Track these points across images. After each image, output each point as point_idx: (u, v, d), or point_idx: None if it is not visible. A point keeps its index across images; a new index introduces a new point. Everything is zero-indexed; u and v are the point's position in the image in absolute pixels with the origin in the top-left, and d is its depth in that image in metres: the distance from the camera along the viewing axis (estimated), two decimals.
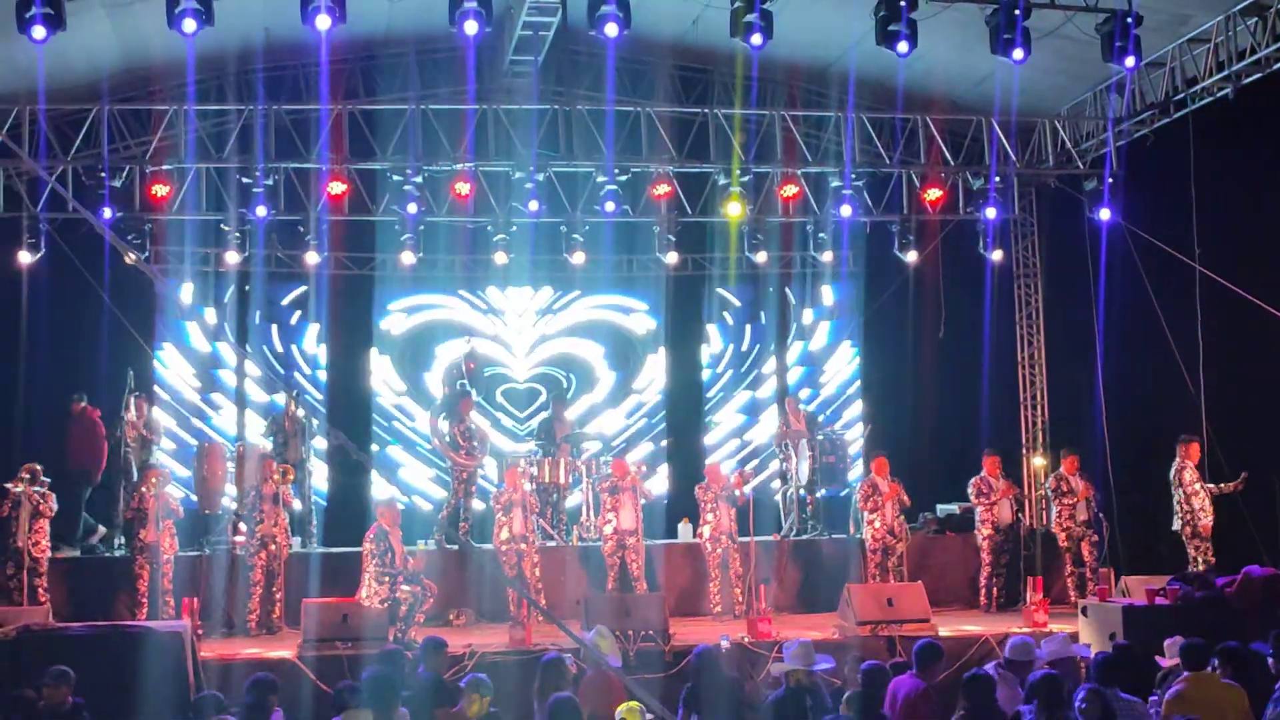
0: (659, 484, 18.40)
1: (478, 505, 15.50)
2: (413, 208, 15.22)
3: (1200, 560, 13.65)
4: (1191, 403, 14.80)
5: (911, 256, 16.99)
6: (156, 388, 17.10)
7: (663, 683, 11.36)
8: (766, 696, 9.57)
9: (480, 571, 14.18)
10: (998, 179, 16.17)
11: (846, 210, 16.06)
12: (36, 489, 13.36)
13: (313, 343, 18.27)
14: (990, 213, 16.34)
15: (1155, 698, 8.42)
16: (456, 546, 14.58)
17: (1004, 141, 16.02)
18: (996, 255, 17.06)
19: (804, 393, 18.81)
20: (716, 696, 9.15)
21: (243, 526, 14.31)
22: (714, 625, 13.52)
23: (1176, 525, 13.99)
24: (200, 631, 11.94)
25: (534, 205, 15.20)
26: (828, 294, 19.34)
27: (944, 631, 12.34)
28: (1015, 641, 9.37)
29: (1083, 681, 8.82)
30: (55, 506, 13.48)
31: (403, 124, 15.03)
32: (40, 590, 13.25)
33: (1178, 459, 13.98)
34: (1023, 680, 8.69)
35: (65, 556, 14.25)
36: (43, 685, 8.36)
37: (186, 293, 17.66)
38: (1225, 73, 13.95)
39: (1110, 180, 15.71)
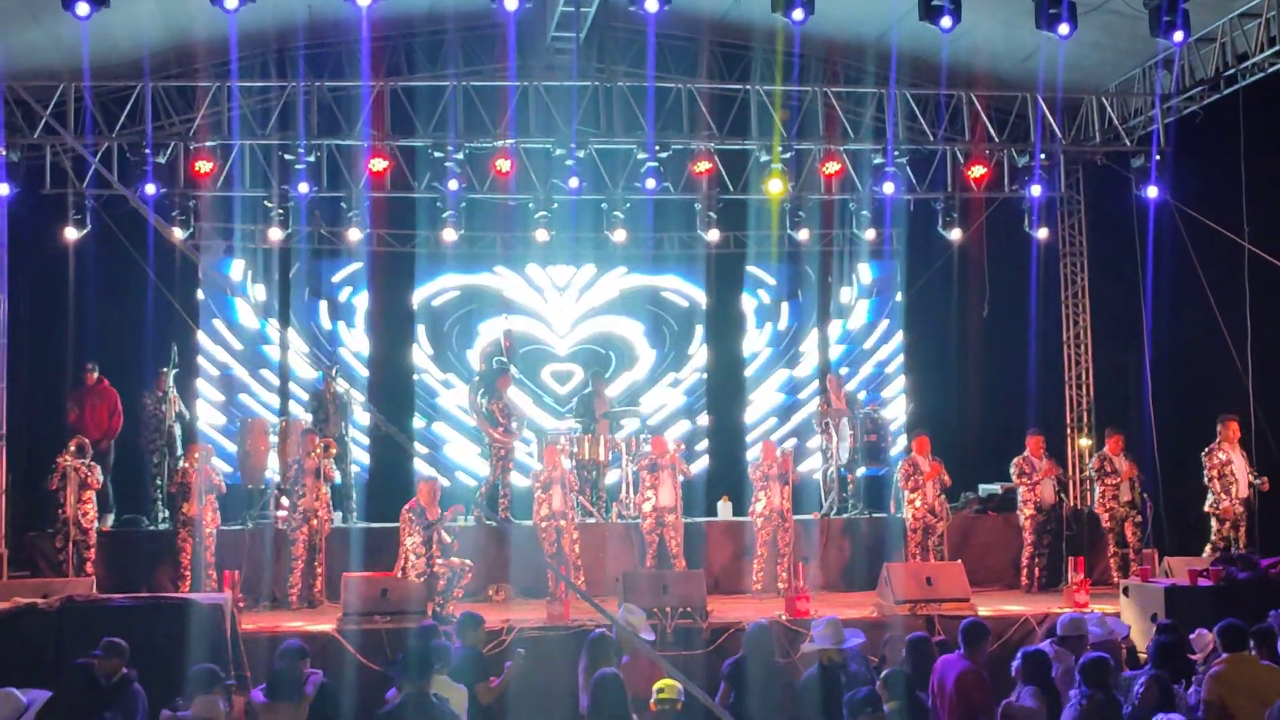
0: (700, 462, 18.40)
1: (518, 482, 15.52)
2: (454, 184, 15.23)
3: (1221, 542, 13.46)
4: (1240, 383, 14.60)
5: (955, 234, 16.84)
6: (203, 364, 17.26)
7: (701, 659, 11.38)
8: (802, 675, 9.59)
9: (519, 548, 14.21)
10: (1043, 156, 15.95)
11: (889, 187, 15.92)
12: (83, 462, 13.55)
13: (354, 319, 18.34)
14: (1035, 190, 16.14)
15: (1194, 689, 8.34)
16: (494, 523, 14.62)
17: (1050, 118, 15.79)
18: (1042, 233, 16.86)
19: (844, 371, 18.71)
20: (762, 675, 9.16)
21: (285, 501, 14.43)
22: (753, 603, 13.52)
23: (1208, 504, 13.82)
24: (241, 604, 12.07)
25: (574, 182, 15.16)
26: (870, 272, 19.22)
27: (984, 611, 12.29)
28: (1067, 619, 9.39)
29: (1122, 661, 8.82)
30: (101, 479, 13.66)
31: (444, 101, 15.01)
32: (88, 563, 13.45)
33: (1217, 438, 13.81)
34: (1077, 657, 8.68)
35: (111, 529, 14.43)
36: (96, 656, 8.46)
37: (237, 269, 17.79)
38: (1277, 48, 13.68)
39: (1158, 157, 15.46)
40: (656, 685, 8.06)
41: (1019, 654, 8.29)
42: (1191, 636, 9.32)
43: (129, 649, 8.54)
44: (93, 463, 13.70)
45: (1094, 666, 7.59)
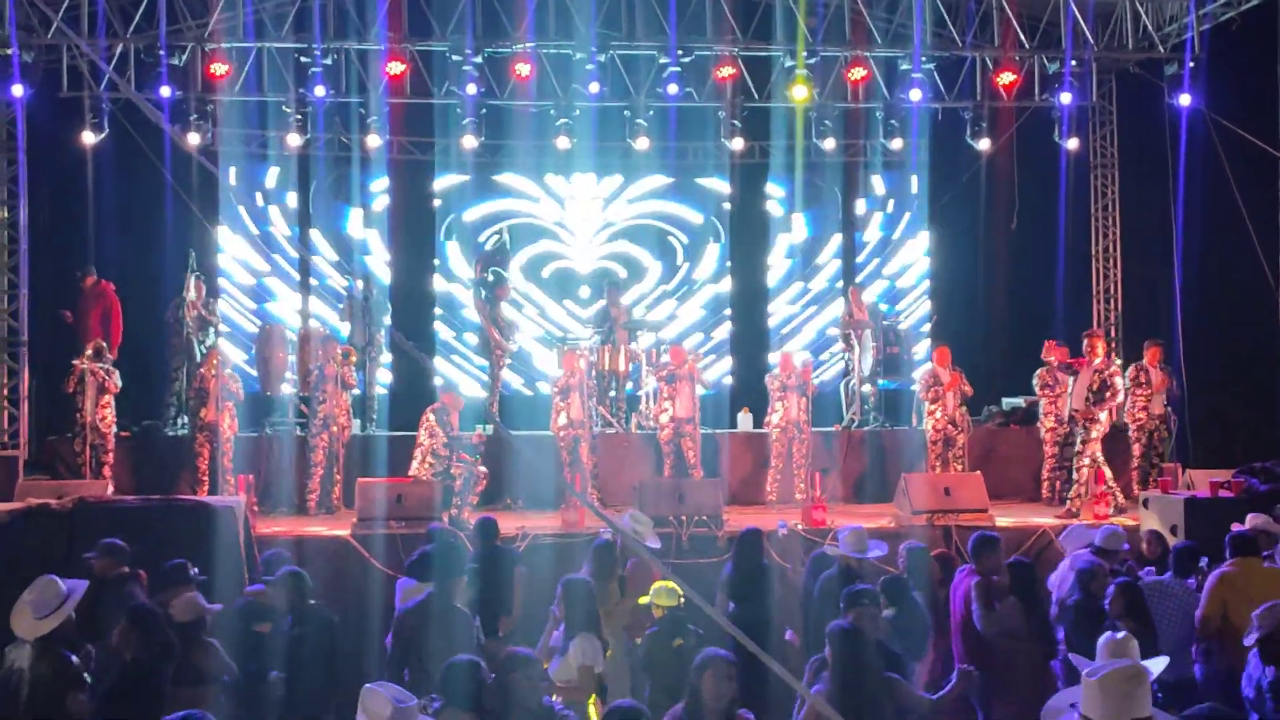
0: (722, 374, 18.30)
1: (531, 390, 15.45)
2: (471, 89, 15.04)
3: None
4: (1271, 297, 14.34)
5: (984, 145, 16.56)
6: (221, 270, 17.21)
7: (716, 567, 11.32)
8: (813, 581, 9.52)
9: (536, 457, 14.18)
10: (1074, 63, 15.62)
11: (916, 94, 15.62)
12: (101, 365, 13.55)
13: (372, 227, 18.23)
14: (1066, 98, 15.81)
15: (1192, 581, 8.31)
16: (503, 435, 14.55)
17: (1082, 24, 15.42)
18: (1072, 144, 16.54)
19: (874, 285, 18.49)
20: (757, 580, 9.10)
21: (305, 408, 14.43)
22: (769, 513, 13.47)
23: None
24: (256, 508, 12.10)
25: (595, 87, 14.92)
26: (898, 182, 18.92)
27: (1002, 522, 12.21)
28: (1106, 531, 9.28)
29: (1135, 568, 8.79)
30: (120, 383, 13.66)
31: (461, 3, 14.77)
32: (105, 466, 13.50)
33: None
34: (1114, 569, 8.62)
35: (130, 434, 14.48)
36: (93, 557, 8.47)
37: (247, 176, 17.68)
38: None
39: (1192, 65, 15.12)
40: (653, 587, 8.01)
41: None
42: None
43: (129, 550, 8.52)
44: (111, 367, 13.69)
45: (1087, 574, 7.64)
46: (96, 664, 7.15)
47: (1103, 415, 13.32)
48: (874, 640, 6.75)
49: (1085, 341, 13.58)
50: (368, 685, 4.65)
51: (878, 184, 18.96)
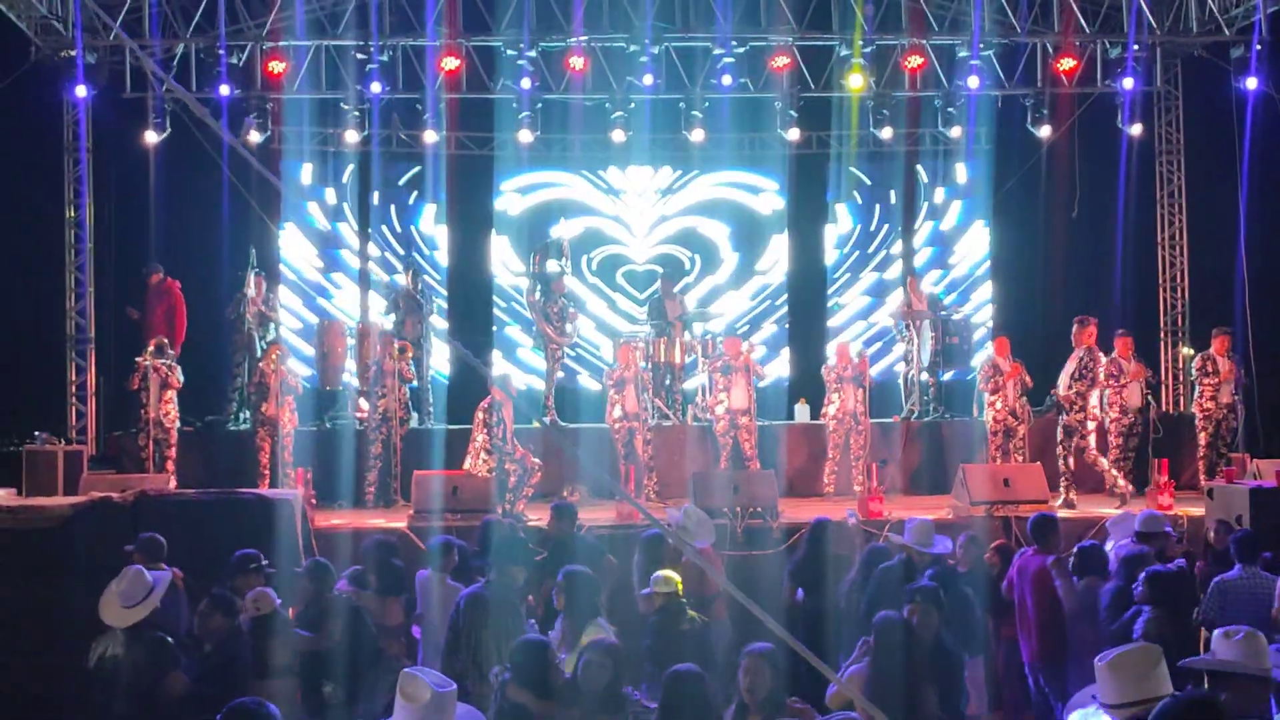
0: (780, 366, 18.22)
1: (585, 385, 15.45)
2: (526, 83, 15.09)
3: None
4: None
5: (1045, 132, 16.35)
6: (281, 267, 17.40)
7: (772, 559, 11.29)
8: (865, 573, 9.48)
9: (593, 450, 14.19)
10: (1136, 47, 15.36)
11: (974, 82, 15.45)
12: (163, 361, 13.74)
13: (431, 223, 18.35)
14: (1128, 83, 15.57)
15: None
16: (557, 430, 14.57)
17: (1144, 8, 15.18)
18: (1135, 129, 16.29)
19: (933, 275, 18.32)
20: (825, 570, 9.06)
21: (363, 403, 14.54)
22: (826, 505, 13.38)
23: None
24: (314, 501, 12.20)
25: (649, 79, 14.90)
26: (958, 172, 18.71)
27: (1063, 513, 12.02)
28: (1144, 515, 9.20)
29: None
30: (182, 379, 13.85)
31: None
32: (169, 460, 13.69)
33: None
34: (1156, 552, 8.56)
35: (193, 429, 14.68)
36: (131, 552, 8.55)
37: (306, 173, 17.85)
38: None
39: (1259, 47, 14.81)
40: (654, 575, 7.97)
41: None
42: None
43: (166, 546, 8.62)
44: (173, 363, 13.89)
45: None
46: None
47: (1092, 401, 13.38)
48: (927, 641, 6.69)
49: (1075, 327, 13.40)
50: (406, 669, 4.67)
51: (939, 173, 18.74)
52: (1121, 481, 13.42)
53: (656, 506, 12.74)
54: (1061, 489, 13.06)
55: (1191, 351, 16.61)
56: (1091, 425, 13.63)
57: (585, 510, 12.70)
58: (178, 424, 13.91)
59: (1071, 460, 13.21)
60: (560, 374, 15.62)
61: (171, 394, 13.76)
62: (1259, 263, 15.36)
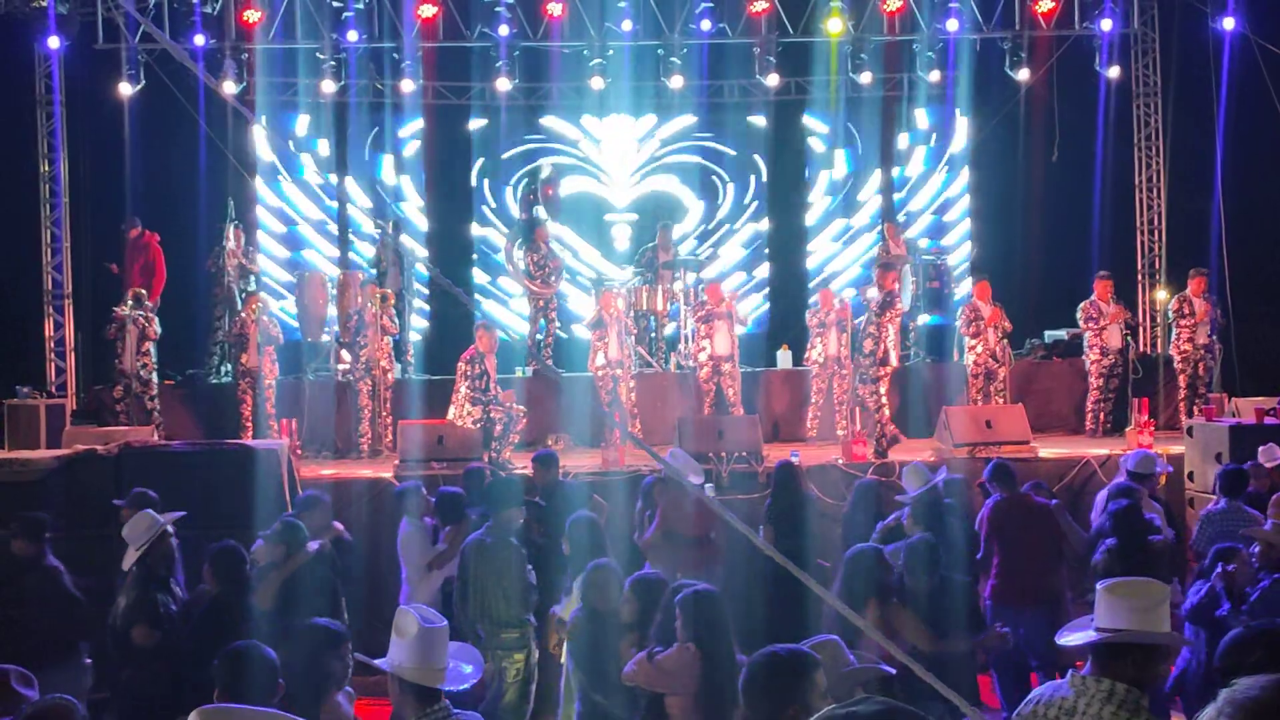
0: (755, 307, 18.23)
1: (569, 332, 15.44)
2: (504, 29, 14.98)
3: None
4: None
5: (1023, 75, 16.33)
6: (259, 213, 17.29)
7: (757, 502, 11.35)
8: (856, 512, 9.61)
9: (576, 398, 14.21)
10: None
11: (953, 24, 15.42)
12: (140, 312, 13.67)
13: (405, 173, 18.23)
14: (1106, 25, 15.57)
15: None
16: (547, 372, 14.59)
17: None
18: (1113, 72, 16.29)
19: (902, 218, 18.28)
20: (795, 512, 9.16)
21: (344, 354, 14.51)
22: (810, 449, 13.47)
23: None
24: (299, 452, 12.20)
25: (627, 25, 14.81)
26: (937, 116, 18.65)
27: (1044, 453, 12.15)
28: (1137, 455, 9.29)
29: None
30: (159, 329, 13.79)
31: None
32: (154, 412, 13.65)
33: None
34: (1149, 491, 8.70)
35: (174, 383, 14.63)
36: (122, 505, 8.50)
37: (302, 124, 17.69)
38: None
39: None
40: None
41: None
42: (1260, 449, 9.49)
43: (158, 499, 8.59)
44: (152, 314, 13.82)
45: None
46: (186, 597, 7.35)
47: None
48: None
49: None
50: (402, 606, 4.74)
51: (918, 118, 18.69)
52: None
53: (642, 453, 12.78)
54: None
55: (1168, 295, 16.71)
56: None
57: (569, 458, 12.78)
58: (155, 374, 13.85)
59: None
60: (556, 325, 15.53)
61: (150, 345, 13.72)
62: (1235, 204, 15.42)
